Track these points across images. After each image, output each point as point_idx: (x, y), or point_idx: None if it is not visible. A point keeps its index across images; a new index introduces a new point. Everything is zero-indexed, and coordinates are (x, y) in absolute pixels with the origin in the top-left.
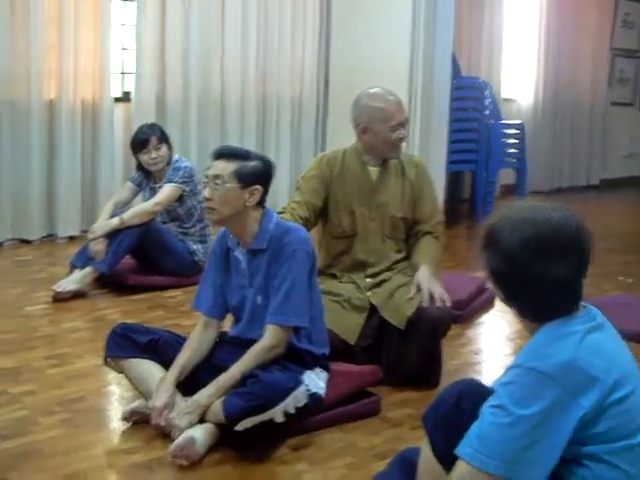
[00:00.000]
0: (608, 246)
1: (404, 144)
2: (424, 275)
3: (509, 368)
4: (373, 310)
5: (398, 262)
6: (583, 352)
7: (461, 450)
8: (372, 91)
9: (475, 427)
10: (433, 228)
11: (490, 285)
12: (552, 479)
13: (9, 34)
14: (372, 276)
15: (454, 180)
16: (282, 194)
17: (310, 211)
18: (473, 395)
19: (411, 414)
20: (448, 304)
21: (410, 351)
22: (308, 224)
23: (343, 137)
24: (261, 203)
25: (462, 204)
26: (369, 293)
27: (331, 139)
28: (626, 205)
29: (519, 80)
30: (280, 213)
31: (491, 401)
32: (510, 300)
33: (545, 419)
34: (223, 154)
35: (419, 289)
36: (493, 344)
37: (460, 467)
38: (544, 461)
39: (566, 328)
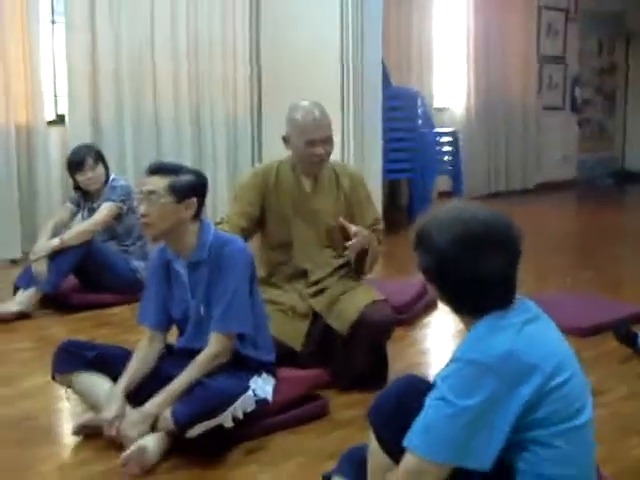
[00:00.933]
0: (547, 247)
1: (334, 156)
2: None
3: (449, 362)
4: (316, 317)
5: (339, 268)
6: (521, 343)
7: (407, 442)
8: (299, 103)
9: (420, 419)
10: (374, 230)
11: (427, 284)
12: (498, 464)
13: None
14: (314, 284)
15: (392, 188)
16: (221, 207)
17: (248, 221)
18: (415, 389)
19: (359, 415)
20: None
21: (355, 356)
22: (246, 234)
23: (278, 149)
24: (197, 215)
25: (400, 212)
26: (312, 301)
27: (267, 152)
28: (562, 208)
29: (451, 89)
30: (218, 224)
31: (433, 394)
32: (445, 296)
33: (487, 408)
34: (156, 170)
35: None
36: (439, 343)
37: (408, 458)
38: (489, 448)
39: (502, 321)
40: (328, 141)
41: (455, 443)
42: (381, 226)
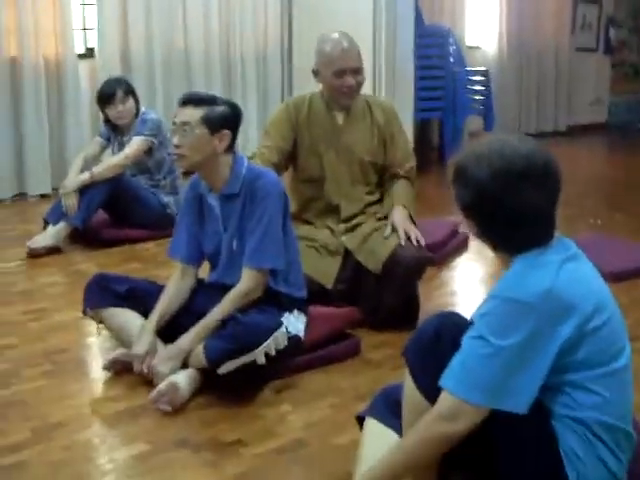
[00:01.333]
0: (577, 190)
1: (364, 90)
2: (399, 215)
3: (487, 299)
4: (348, 254)
5: (371, 205)
6: (560, 281)
7: (444, 382)
8: (327, 35)
9: (457, 359)
10: (407, 172)
11: (464, 221)
12: (534, 407)
13: None
14: (345, 220)
15: (423, 127)
16: (251, 142)
17: (279, 155)
18: (452, 326)
19: (391, 354)
20: (422, 243)
21: (387, 294)
22: (278, 169)
23: (309, 83)
24: (231, 148)
25: (431, 151)
26: (344, 238)
27: (297, 86)
28: (592, 151)
29: (483, 27)
30: (250, 158)
31: (471, 332)
32: (483, 233)
33: (525, 348)
34: (190, 100)
35: (394, 229)
36: (468, 286)
37: (444, 399)
38: (526, 390)
39: (542, 258)
40: (358, 72)
41: (492, 384)
42: (413, 162)
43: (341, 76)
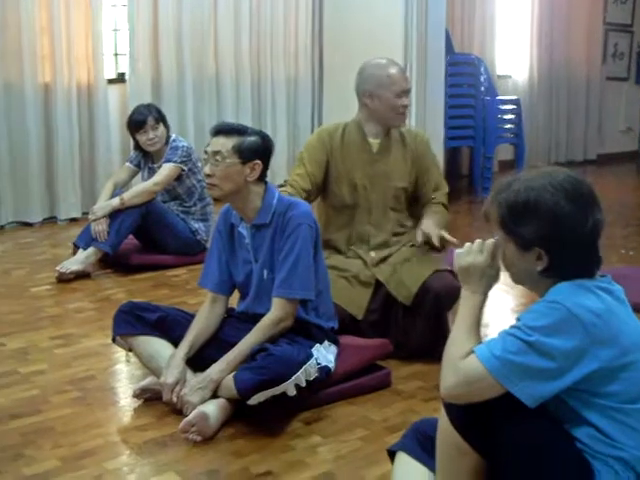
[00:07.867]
0: (608, 220)
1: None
2: (428, 223)
3: (537, 303)
4: (379, 285)
5: (401, 234)
6: (610, 310)
7: (478, 349)
8: (378, 60)
9: (499, 337)
10: (441, 198)
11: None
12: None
13: None
14: (375, 249)
15: (452, 156)
16: (280, 170)
17: (312, 183)
18: None
19: (422, 386)
20: (454, 241)
21: (417, 325)
22: (310, 196)
23: (339, 112)
24: (262, 178)
25: (461, 180)
26: (375, 269)
27: (327, 115)
28: (623, 180)
29: (514, 56)
30: (282, 186)
31: (515, 324)
32: (554, 264)
33: (561, 357)
34: (222, 130)
35: (425, 237)
36: (498, 317)
37: (471, 360)
38: (544, 389)
39: (594, 283)
40: (409, 92)
41: (516, 369)
42: (446, 188)
43: (401, 96)
